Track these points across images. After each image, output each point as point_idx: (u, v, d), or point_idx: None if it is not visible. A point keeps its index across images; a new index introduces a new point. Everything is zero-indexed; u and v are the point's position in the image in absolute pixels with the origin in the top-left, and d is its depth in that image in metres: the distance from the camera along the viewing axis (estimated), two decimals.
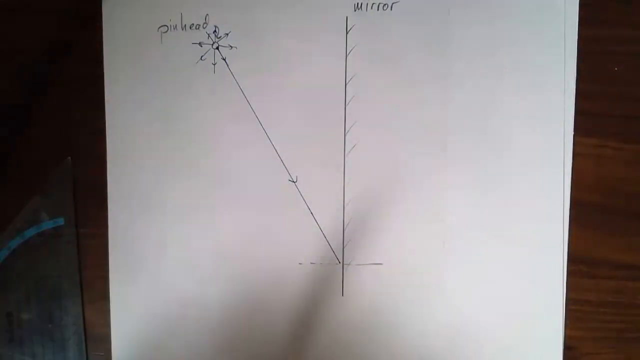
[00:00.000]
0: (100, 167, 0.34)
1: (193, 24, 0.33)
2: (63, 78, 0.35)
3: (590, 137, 0.32)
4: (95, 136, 0.34)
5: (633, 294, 0.28)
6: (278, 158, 0.33)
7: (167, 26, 0.33)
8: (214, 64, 0.33)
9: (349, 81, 0.32)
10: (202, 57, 0.33)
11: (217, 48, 0.33)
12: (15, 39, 0.35)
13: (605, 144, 0.32)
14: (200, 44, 0.33)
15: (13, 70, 0.35)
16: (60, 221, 0.34)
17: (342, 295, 0.33)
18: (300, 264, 0.33)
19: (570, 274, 0.31)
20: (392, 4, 0.32)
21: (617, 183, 0.32)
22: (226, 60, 0.33)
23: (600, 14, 0.31)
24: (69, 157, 0.34)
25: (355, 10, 0.32)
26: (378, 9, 0.32)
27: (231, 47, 0.33)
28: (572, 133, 0.31)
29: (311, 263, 0.33)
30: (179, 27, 0.33)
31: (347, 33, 0.32)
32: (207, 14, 0.33)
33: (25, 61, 0.35)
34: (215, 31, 0.33)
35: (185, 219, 0.34)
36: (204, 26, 0.33)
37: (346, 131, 0.33)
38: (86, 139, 0.35)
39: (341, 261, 0.33)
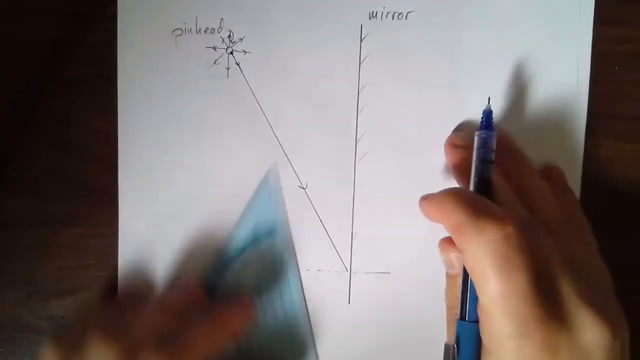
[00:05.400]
0: (111, 167, 0.34)
1: (208, 28, 0.33)
2: (72, 79, 0.34)
3: (590, 137, 0.32)
4: (107, 137, 0.34)
5: (633, 294, 0.29)
6: (289, 164, 0.33)
7: (181, 29, 0.33)
8: (228, 69, 0.33)
9: (362, 89, 0.32)
10: (215, 61, 0.33)
11: (231, 53, 0.33)
12: (23, 39, 0.34)
13: (605, 144, 0.32)
14: (214, 48, 0.33)
15: (20, 71, 0.34)
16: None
17: (349, 303, 0.33)
18: (307, 270, 0.33)
19: None
20: (407, 13, 0.32)
21: (617, 183, 0.32)
22: (240, 65, 0.33)
23: (600, 14, 0.32)
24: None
25: (370, 19, 0.32)
26: (393, 18, 0.32)
27: (245, 52, 0.33)
28: (584, 135, 0.32)
29: (318, 270, 0.33)
30: (193, 30, 0.33)
31: (361, 41, 0.32)
32: (222, 19, 0.33)
33: (33, 62, 0.34)
34: (229, 36, 0.33)
35: (195, 222, 0.33)
36: (219, 30, 0.33)
37: (357, 139, 0.33)
38: (94, 141, 0.34)
39: (348, 269, 0.33)
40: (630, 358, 0.26)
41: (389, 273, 0.33)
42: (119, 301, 0.34)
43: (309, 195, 0.33)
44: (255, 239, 0.33)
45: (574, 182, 0.32)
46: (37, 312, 0.35)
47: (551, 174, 0.31)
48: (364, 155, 0.33)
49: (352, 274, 0.33)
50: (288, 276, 0.33)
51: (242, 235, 0.33)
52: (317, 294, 0.33)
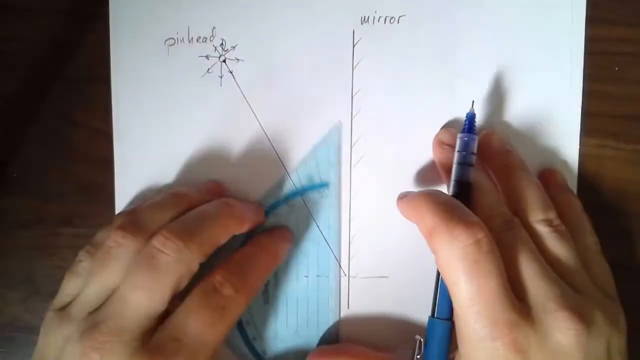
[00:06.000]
0: (111, 167, 0.34)
1: (200, 37, 0.33)
2: (69, 79, 0.35)
3: (590, 137, 0.32)
4: (107, 136, 0.34)
5: (633, 294, 0.28)
6: (284, 170, 0.33)
7: (174, 39, 0.33)
8: (221, 77, 0.33)
9: (356, 94, 0.32)
10: (208, 69, 0.33)
11: (224, 61, 0.33)
12: (22, 39, 0.35)
13: (605, 144, 0.32)
14: (207, 56, 0.33)
15: (19, 71, 0.35)
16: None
17: (348, 307, 0.33)
18: (305, 276, 0.33)
19: None
20: (399, 17, 0.32)
21: (617, 183, 0.32)
22: (233, 73, 0.33)
23: (600, 14, 0.32)
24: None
25: (362, 24, 0.32)
26: (385, 22, 0.32)
27: (238, 60, 0.33)
28: (578, 135, 0.32)
29: (317, 275, 0.33)
30: (185, 39, 0.33)
31: (354, 46, 0.32)
32: (214, 27, 0.33)
33: (32, 62, 0.35)
34: (222, 44, 0.33)
35: None
36: (211, 39, 0.33)
37: (353, 143, 0.33)
38: (93, 141, 0.34)
39: (347, 274, 0.33)
40: (630, 358, 0.26)
41: (387, 277, 0.33)
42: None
43: (306, 202, 0.33)
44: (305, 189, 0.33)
45: (570, 182, 0.32)
46: (37, 312, 0.35)
47: (550, 177, 0.31)
48: (359, 159, 0.33)
49: (350, 278, 0.33)
50: (331, 280, 0.33)
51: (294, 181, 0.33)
52: (316, 299, 0.33)
